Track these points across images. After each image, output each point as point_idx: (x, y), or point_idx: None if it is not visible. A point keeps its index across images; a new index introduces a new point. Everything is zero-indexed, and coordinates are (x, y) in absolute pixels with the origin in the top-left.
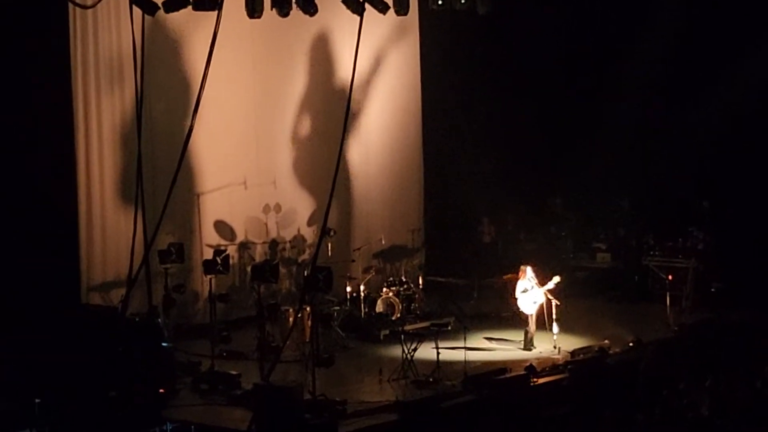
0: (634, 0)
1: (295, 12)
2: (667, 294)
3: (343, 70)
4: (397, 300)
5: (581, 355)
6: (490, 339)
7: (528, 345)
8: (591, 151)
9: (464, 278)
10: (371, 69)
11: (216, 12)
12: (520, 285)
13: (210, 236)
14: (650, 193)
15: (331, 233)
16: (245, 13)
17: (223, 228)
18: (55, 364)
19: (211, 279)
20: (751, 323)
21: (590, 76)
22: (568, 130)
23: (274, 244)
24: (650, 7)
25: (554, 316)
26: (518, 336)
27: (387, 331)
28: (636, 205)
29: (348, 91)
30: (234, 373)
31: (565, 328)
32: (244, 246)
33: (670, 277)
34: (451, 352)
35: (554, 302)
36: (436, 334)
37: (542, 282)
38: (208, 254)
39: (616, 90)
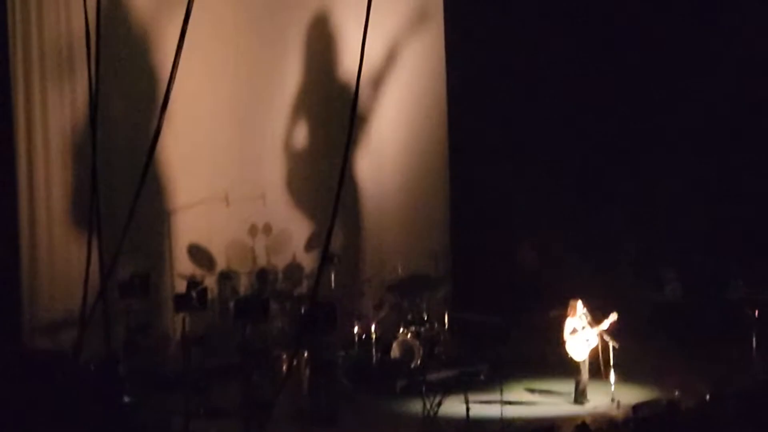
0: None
1: None
2: (753, 334)
3: (350, 60)
4: (416, 343)
5: (646, 411)
6: (532, 391)
7: (579, 398)
8: (656, 154)
9: (500, 315)
10: (384, 61)
11: None
12: (569, 324)
13: (183, 264)
14: (733, 208)
15: (335, 260)
16: None
17: (199, 254)
18: None
19: (184, 317)
20: None
21: (655, 65)
22: (628, 130)
23: (262, 273)
24: None
25: (612, 362)
26: (567, 387)
27: (405, 382)
28: (715, 223)
29: (354, 87)
30: None
31: (625, 377)
32: (226, 276)
33: (756, 314)
34: (485, 407)
35: (611, 344)
36: (465, 384)
37: (596, 320)
38: (181, 287)
39: (688, 84)
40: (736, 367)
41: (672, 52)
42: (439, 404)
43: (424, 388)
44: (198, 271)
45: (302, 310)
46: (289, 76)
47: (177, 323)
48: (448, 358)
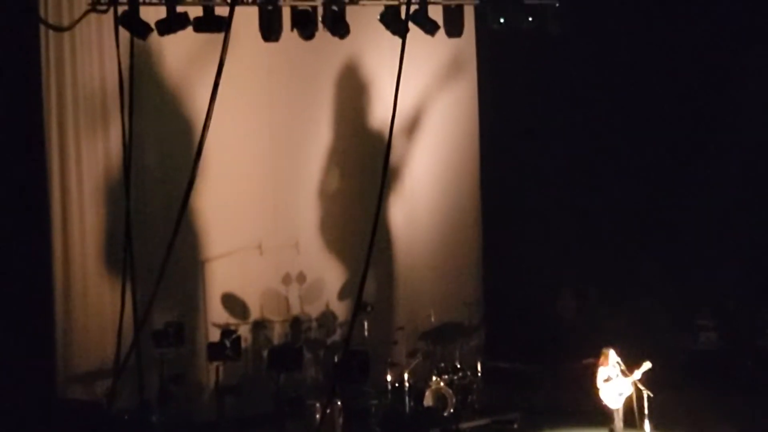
0: (747, 19)
1: (322, 34)
2: None
3: (383, 109)
4: (450, 391)
5: None
6: None
7: None
8: (692, 202)
9: (533, 364)
10: (417, 109)
11: (222, 35)
12: (603, 372)
13: (217, 313)
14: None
15: (368, 309)
16: (259, 36)
17: (233, 303)
18: None
19: (218, 366)
20: None
21: (697, 113)
22: (662, 179)
23: (296, 322)
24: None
25: (646, 411)
26: None
27: (438, 430)
28: (749, 271)
29: (387, 136)
30: None
31: (660, 427)
32: (260, 325)
33: None
34: None
35: (645, 394)
36: None
37: (630, 369)
38: (215, 336)
39: (728, 131)
40: None
41: (704, 100)
42: None
43: None
44: (232, 320)
45: (336, 359)
46: (323, 125)
47: (211, 372)
48: (481, 407)
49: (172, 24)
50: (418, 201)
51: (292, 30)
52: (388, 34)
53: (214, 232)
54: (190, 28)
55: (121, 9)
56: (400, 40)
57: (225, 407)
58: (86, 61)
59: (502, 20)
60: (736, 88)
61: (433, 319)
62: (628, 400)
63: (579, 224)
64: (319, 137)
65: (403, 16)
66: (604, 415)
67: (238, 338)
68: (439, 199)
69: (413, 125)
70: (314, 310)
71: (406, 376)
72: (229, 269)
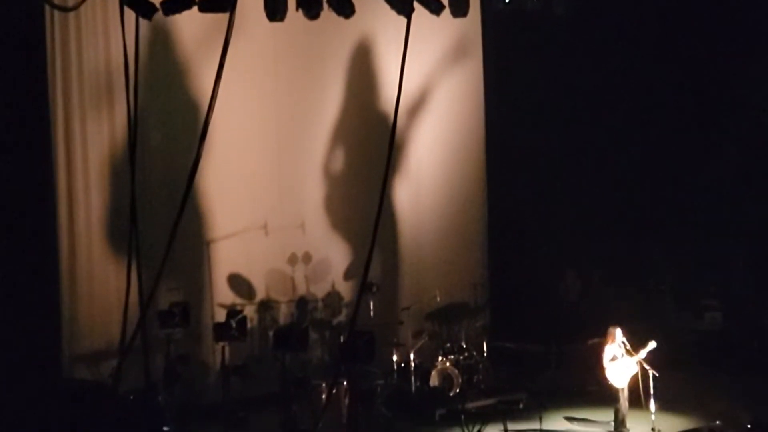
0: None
1: (327, 14)
2: None
3: (388, 89)
4: (455, 371)
5: None
6: (571, 419)
7: (619, 427)
8: (697, 183)
9: (539, 344)
10: (423, 88)
11: (228, 15)
12: (609, 352)
13: (223, 294)
14: None
15: (374, 289)
16: (264, 16)
17: (239, 283)
18: None
19: (223, 347)
20: None
21: (704, 95)
22: (668, 160)
23: (302, 302)
24: None
25: (652, 391)
26: (607, 416)
27: (443, 410)
28: (754, 252)
29: (393, 117)
30: None
31: (666, 406)
32: (266, 305)
33: None
34: None
35: (651, 373)
36: (504, 413)
37: (635, 348)
38: (221, 316)
39: (734, 111)
40: None
41: (711, 85)
42: None
43: (463, 417)
44: (238, 301)
45: (341, 339)
46: (328, 105)
47: (217, 353)
48: (487, 387)
49: (177, 4)
50: (424, 182)
51: (297, 10)
52: (393, 13)
53: (219, 212)
54: (195, 8)
55: None
56: (405, 20)
57: (231, 388)
58: (91, 41)
59: (507, 0)
60: (742, 69)
61: (438, 300)
62: (634, 379)
63: (585, 205)
64: (324, 117)
65: None
66: (609, 395)
67: (244, 318)
68: (445, 179)
69: (418, 106)
70: (320, 291)
71: (411, 356)
72: (234, 249)
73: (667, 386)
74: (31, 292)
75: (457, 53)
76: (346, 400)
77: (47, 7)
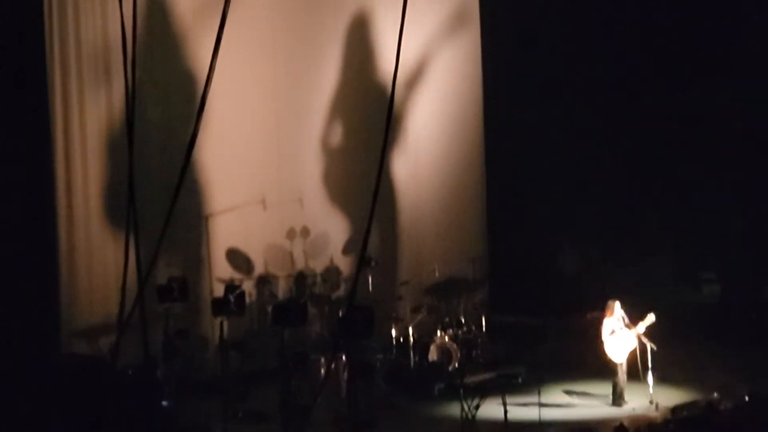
0: None
1: None
2: None
3: (387, 62)
4: (454, 345)
5: (684, 413)
6: (570, 393)
7: (618, 400)
8: (695, 156)
9: (538, 318)
10: (421, 61)
11: None
12: (607, 325)
13: (221, 268)
14: None
15: (372, 264)
16: None
17: (237, 258)
18: (30, 427)
19: (222, 322)
20: None
21: (700, 67)
22: (668, 133)
23: (301, 277)
24: None
25: (650, 364)
26: (605, 389)
27: (442, 385)
28: (751, 225)
29: (391, 89)
30: None
31: (664, 379)
32: (264, 280)
33: None
34: (523, 409)
35: (649, 346)
36: (503, 387)
37: (634, 321)
38: (219, 291)
39: (734, 82)
40: None
41: (709, 56)
42: (477, 407)
43: (461, 391)
44: (236, 275)
45: (340, 314)
46: (326, 79)
47: (215, 327)
48: (485, 361)
49: None
50: (422, 156)
51: None
52: None
53: (217, 186)
54: None
55: None
56: None
57: (229, 362)
58: (89, 15)
59: None
60: (738, 48)
61: (437, 274)
62: (632, 353)
63: (583, 179)
64: (323, 91)
65: None
66: (608, 368)
67: (243, 293)
68: (443, 153)
69: (416, 78)
70: (319, 265)
71: (410, 330)
72: (233, 224)
73: (666, 359)
74: (30, 269)
75: (454, 25)
76: (345, 375)
77: None
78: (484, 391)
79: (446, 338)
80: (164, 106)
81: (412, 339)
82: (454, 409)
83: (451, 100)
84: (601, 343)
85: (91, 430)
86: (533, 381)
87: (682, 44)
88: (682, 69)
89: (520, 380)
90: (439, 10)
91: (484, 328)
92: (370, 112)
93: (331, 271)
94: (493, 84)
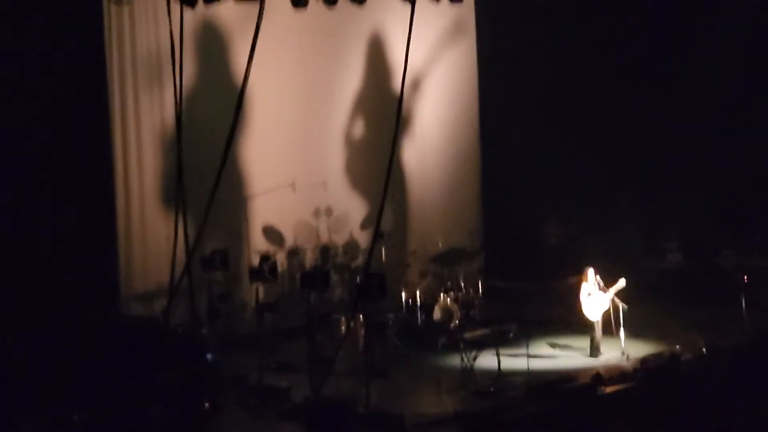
0: None
1: (344, 3)
2: (743, 296)
3: (397, 66)
4: (455, 306)
5: (651, 363)
6: (554, 346)
7: (594, 352)
8: (660, 142)
9: (526, 282)
10: (426, 64)
11: (258, 4)
12: (585, 288)
13: (258, 242)
14: (725, 186)
15: (385, 237)
16: (290, 4)
17: (271, 233)
18: (94, 378)
19: (257, 287)
20: None
21: (665, 63)
22: (637, 120)
23: (325, 249)
24: None
25: (622, 321)
26: (584, 343)
27: (445, 340)
28: (710, 199)
29: (400, 89)
30: (283, 386)
31: (633, 334)
32: (294, 252)
33: (745, 278)
34: (513, 360)
35: (621, 306)
36: (497, 341)
37: (608, 285)
38: (256, 261)
39: (690, 78)
40: (728, 325)
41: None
42: (475, 358)
43: (461, 345)
44: (271, 248)
45: (358, 280)
46: (346, 81)
47: (252, 292)
48: (482, 319)
49: None
50: (427, 146)
51: None
52: (400, 2)
53: (255, 173)
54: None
55: None
56: (410, 7)
57: (264, 322)
58: (143, 29)
59: None
60: (706, 37)
61: (440, 245)
62: (606, 312)
63: (564, 163)
64: (344, 93)
65: None
66: (585, 325)
67: (275, 263)
68: (445, 143)
69: (422, 81)
70: (340, 239)
71: (418, 293)
72: (267, 204)
73: (635, 317)
74: (93, 245)
75: (453, 34)
76: (363, 332)
77: (105, 1)
78: (481, 345)
79: (448, 300)
80: (208, 104)
81: (419, 301)
82: (454, 360)
83: (452, 98)
84: (580, 303)
85: (147, 382)
86: (522, 336)
87: (651, 34)
88: (646, 67)
89: (511, 335)
90: (439, 22)
91: (480, 291)
92: (383, 110)
93: (351, 243)
94: (488, 84)
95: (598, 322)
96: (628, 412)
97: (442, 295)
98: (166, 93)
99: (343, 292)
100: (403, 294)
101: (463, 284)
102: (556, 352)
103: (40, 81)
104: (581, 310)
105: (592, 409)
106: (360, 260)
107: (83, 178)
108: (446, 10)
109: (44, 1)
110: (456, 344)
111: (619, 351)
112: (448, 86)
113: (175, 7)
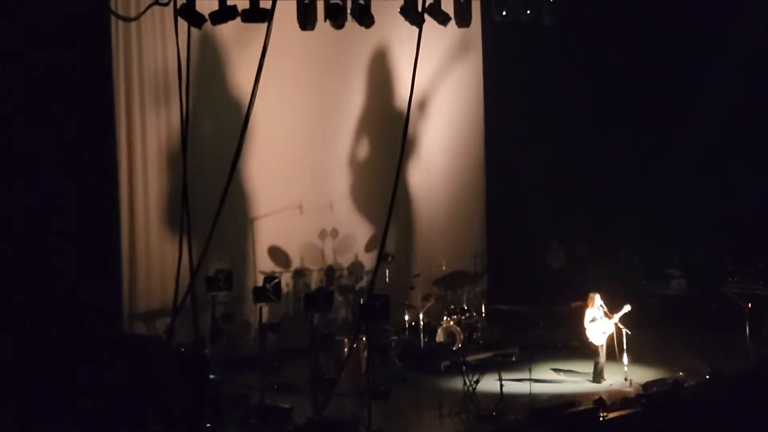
0: (716, 11)
1: (351, 24)
2: (747, 323)
3: (403, 87)
4: (458, 329)
5: (654, 388)
6: (557, 370)
7: (597, 377)
8: (664, 169)
9: (530, 306)
10: (432, 86)
11: (266, 24)
12: (589, 314)
13: (264, 263)
14: (728, 213)
15: (389, 259)
16: (297, 25)
17: (277, 254)
18: (96, 396)
19: (261, 307)
20: None
21: (666, 92)
22: (639, 148)
23: (330, 270)
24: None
25: (625, 347)
26: (587, 368)
27: (448, 362)
28: (713, 226)
29: (406, 109)
30: (286, 406)
31: (637, 360)
32: (300, 273)
33: (749, 305)
34: (516, 384)
35: (625, 332)
36: (499, 365)
37: (612, 310)
38: (262, 282)
39: (693, 106)
40: (731, 351)
41: (676, 82)
42: (477, 381)
43: (464, 368)
44: (277, 269)
45: (361, 301)
46: (352, 103)
47: (256, 312)
48: (484, 343)
49: (223, 15)
50: (432, 168)
51: (325, 20)
52: (407, 24)
53: (261, 194)
54: (238, 19)
55: (179, 2)
56: (417, 30)
57: (267, 342)
58: (150, 47)
59: (504, 12)
60: (708, 60)
61: (444, 268)
62: (610, 337)
63: (569, 188)
64: (350, 113)
65: (419, 9)
66: (589, 350)
67: (279, 283)
68: (450, 166)
69: (427, 102)
70: (345, 261)
71: (421, 316)
72: (273, 226)
73: (639, 343)
74: (97, 261)
75: (460, 56)
76: (365, 353)
77: (113, 18)
78: (483, 368)
79: (451, 323)
80: (214, 124)
81: (422, 323)
82: (457, 383)
83: (457, 119)
84: (584, 329)
85: (149, 401)
86: (525, 360)
87: (653, 67)
88: (650, 95)
89: (514, 359)
90: (445, 41)
91: (483, 315)
92: (388, 131)
93: (356, 265)
94: (493, 105)
95: (601, 347)
96: None
97: (445, 317)
98: (173, 112)
99: (347, 313)
100: (407, 316)
101: (466, 307)
102: (559, 376)
103: (48, 99)
104: (585, 335)
105: None
106: (364, 282)
107: (87, 198)
108: (453, 32)
109: (51, 20)
110: (458, 367)
111: (623, 376)
112: (453, 109)
113: (183, 26)
